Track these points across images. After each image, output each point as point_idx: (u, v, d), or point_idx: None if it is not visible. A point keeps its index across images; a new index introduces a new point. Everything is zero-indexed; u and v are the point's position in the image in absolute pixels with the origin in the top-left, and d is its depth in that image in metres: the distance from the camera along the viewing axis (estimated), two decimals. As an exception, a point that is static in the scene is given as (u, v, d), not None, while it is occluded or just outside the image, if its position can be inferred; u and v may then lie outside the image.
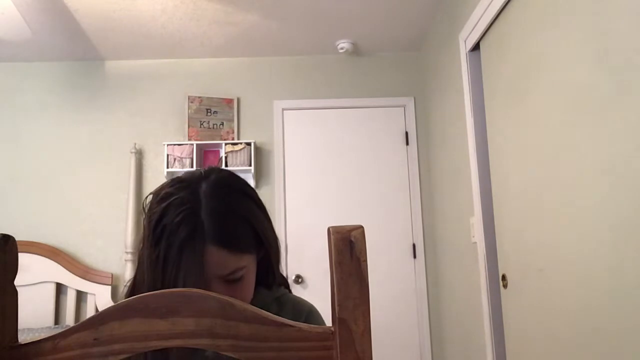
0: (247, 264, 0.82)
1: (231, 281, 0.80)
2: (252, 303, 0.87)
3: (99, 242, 3.27)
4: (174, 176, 0.86)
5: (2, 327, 0.48)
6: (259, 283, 0.90)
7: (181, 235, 0.75)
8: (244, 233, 0.81)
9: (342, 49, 3.36)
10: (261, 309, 0.91)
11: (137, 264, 0.84)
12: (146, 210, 0.82)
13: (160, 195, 0.80)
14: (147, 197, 0.84)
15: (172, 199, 0.78)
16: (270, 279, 0.93)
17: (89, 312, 3.13)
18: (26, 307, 2.96)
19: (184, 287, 0.74)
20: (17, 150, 3.38)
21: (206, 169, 0.87)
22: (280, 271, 0.96)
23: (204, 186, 0.81)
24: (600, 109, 1.37)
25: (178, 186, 0.81)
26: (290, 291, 0.99)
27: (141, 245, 0.82)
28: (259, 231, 0.84)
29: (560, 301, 1.61)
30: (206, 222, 0.77)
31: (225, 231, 0.78)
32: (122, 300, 0.85)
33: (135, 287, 0.84)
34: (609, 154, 1.33)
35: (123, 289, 0.89)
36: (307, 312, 0.94)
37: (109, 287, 3.13)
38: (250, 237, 0.82)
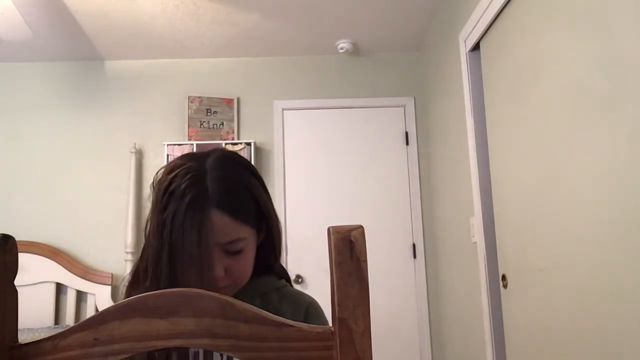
0: (247, 237, 0.85)
1: (231, 253, 0.83)
2: (252, 290, 0.89)
3: (99, 242, 3.26)
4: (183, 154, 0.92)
5: (2, 327, 0.48)
6: (260, 272, 0.91)
7: (187, 199, 0.79)
8: (246, 202, 0.85)
9: (342, 49, 3.36)
10: (261, 297, 0.92)
11: (145, 237, 0.86)
12: (155, 183, 0.86)
13: (170, 167, 0.85)
14: (158, 171, 0.88)
15: (179, 169, 0.83)
16: (272, 260, 0.94)
17: (89, 312, 3.13)
18: (26, 307, 2.95)
19: (188, 250, 0.78)
20: (17, 150, 3.38)
21: (215, 147, 0.93)
22: (282, 263, 0.98)
23: (210, 159, 0.86)
24: (600, 109, 1.37)
25: (187, 158, 0.86)
26: (291, 285, 1.00)
27: (149, 216, 0.85)
28: (260, 204, 0.87)
29: (560, 301, 1.61)
30: (211, 187, 0.81)
31: (228, 197, 0.82)
32: (127, 277, 0.88)
33: (142, 258, 0.86)
34: (609, 154, 1.33)
35: (128, 276, 0.90)
36: (308, 305, 0.94)
37: (109, 287, 3.13)
38: (252, 209, 0.86)
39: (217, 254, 0.81)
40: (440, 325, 3.20)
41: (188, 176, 0.81)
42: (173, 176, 0.82)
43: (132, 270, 0.89)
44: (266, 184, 0.92)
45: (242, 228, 0.83)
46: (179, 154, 3.19)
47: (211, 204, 0.80)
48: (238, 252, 0.83)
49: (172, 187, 0.81)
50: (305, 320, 0.91)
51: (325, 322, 0.94)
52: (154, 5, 2.84)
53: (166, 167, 0.86)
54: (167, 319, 0.48)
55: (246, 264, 0.86)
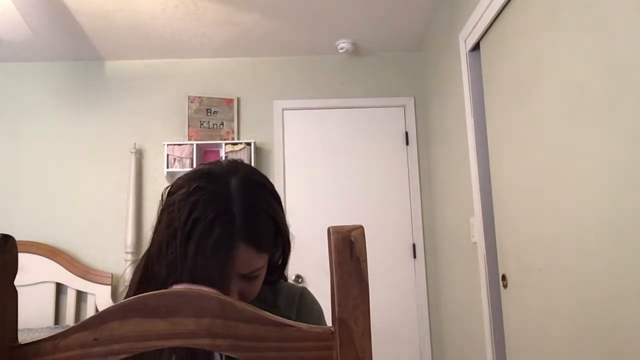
0: (265, 263, 0.84)
1: (248, 278, 0.82)
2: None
3: (99, 242, 3.26)
4: (197, 168, 0.86)
5: (2, 327, 0.48)
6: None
7: (215, 232, 0.75)
8: (269, 232, 0.83)
9: (342, 49, 3.36)
10: (257, 297, 0.92)
11: (152, 256, 0.81)
12: (169, 201, 0.81)
13: (189, 187, 0.79)
14: (167, 187, 0.84)
15: (201, 194, 0.78)
16: (276, 276, 0.94)
17: (89, 312, 3.13)
18: (26, 307, 2.96)
19: (209, 281, 0.74)
20: (17, 150, 3.38)
21: (230, 161, 0.87)
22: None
23: (233, 181, 0.81)
24: (600, 109, 1.37)
25: (207, 179, 0.81)
26: (286, 281, 1.01)
27: (157, 237, 0.80)
28: (282, 231, 0.86)
29: (560, 301, 1.61)
30: (238, 220, 0.77)
31: (257, 231, 0.80)
32: (128, 283, 0.84)
33: (145, 278, 0.82)
34: (609, 153, 1.33)
35: (132, 278, 0.86)
36: (300, 293, 0.97)
37: (109, 287, 3.13)
38: (273, 237, 0.84)
39: (235, 282, 0.80)
40: (440, 325, 3.20)
41: (213, 205, 0.77)
42: (195, 200, 0.77)
43: (136, 277, 0.84)
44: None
45: (263, 257, 0.82)
46: (179, 154, 3.22)
47: (239, 238, 0.77)
48: (254, 277, 0.83)
49: (196, 214, 0.76)
50: (299, 308, 0.94)
51: (316, 308, 0.97)
52: (154, 5, 2.84)
53: (181, 185, 0.81)
54: (167, 319, 0.48)
55: (259, 285, 0.85)
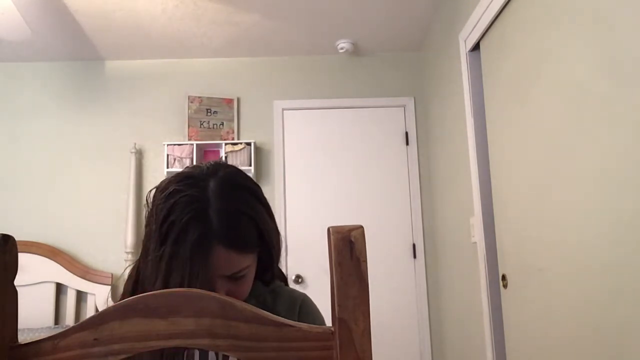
0: (251, 263, 0.83)
1: (234, 278, 0.81)
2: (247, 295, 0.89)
3: (99, 242, 3.26)
4: (179, 172, 0.85)
5: (2, 327, 0.48)
6: (256, 277, 0.91)
7: (190, 234, 0.75)
8: (251, 233, 0.82)
9: (342, 49, 3.36)
10: (256, 299, 0.92)
11: (140, 260, 0.83)
12: (150, 206, 0.82)
13: (168, 191, 0.79)
14: (150, 191, 0.84)
15: (179, 197, 0.78)
16: (269, 275, 0.95)
17: (89, 312, 3.13)
18: (26, 307, 2.96)
19: (190, 286, 0.73)
20: (17, 150, 3.38)
21: (212, 164, 0.86)
22: (279, 266, 0.98)
23: (211, 184, 0.80)
24: (601, 108, 1.37)
25: (185, 183, 0.80)
26: (287, 285, 1.01)
27: (145, 241, 0.82)
28: (263, 231, 0.84)
29: (560, 301, 1.61)
30: (215, 223, 0.77)
31: (234, 233, 0.79)
32: (120, 293, 0.85)
33: (138, 283, 0.83)
34: (609, 153, 1.33)
35: (126, 282, 0.87)
36: (302, 300, 0.97)
37: (109, 287, 3.13)
38: (255, 237, 0.83)
39: (220, 283, 0.79)
40: (440, 325, 3.20)
41: (190, 207, 0.77)
42: (172, 204, 0.77)
43: (129, 283, 0.85)
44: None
45: (246, 258, 0.81)
46: (179, 154, 3.22)
47: (216, 241, 0.76)
48: (241, 277, 0.82)
49: (172, 217, 0.76)
50: (299, 316, 0.94)
51: (317, 317, 0.97)
52: (154, 5, 2.84)
53: (162, 189, 0.81)
54: (167, 319, 0.48)
55: (248, 285, 0.85)
